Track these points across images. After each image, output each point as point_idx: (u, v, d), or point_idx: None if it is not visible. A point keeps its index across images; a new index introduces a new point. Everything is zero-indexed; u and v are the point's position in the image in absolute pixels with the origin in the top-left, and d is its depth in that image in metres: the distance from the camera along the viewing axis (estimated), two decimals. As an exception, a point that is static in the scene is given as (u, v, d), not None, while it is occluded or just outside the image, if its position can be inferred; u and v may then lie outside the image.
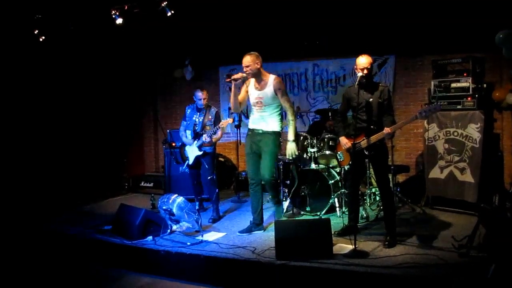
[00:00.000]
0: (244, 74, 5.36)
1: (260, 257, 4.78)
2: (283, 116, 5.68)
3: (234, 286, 4.79)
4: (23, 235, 6.20)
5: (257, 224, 5.76)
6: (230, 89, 5.57)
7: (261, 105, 5.48)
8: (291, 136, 5.46)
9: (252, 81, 5.52)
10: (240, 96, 5.68)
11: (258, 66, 5.38)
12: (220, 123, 6.30)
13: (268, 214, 6.41)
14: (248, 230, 5.71)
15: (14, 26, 7.09)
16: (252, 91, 5.55)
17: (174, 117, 9.88)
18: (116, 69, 8.95)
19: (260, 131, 5.54)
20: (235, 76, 5.33)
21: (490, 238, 4.52)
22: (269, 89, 5.39)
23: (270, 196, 5.95)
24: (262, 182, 5.65)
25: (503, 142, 7.13)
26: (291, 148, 5.46)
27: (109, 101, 8.93)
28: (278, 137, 5.57)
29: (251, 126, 5.67)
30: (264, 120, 5.52)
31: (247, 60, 5.35)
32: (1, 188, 7.12)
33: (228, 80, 5.38)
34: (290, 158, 5.60)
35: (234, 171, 8.78)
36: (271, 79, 5.41)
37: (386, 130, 4.91)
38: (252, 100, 5.57)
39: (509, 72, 6.66)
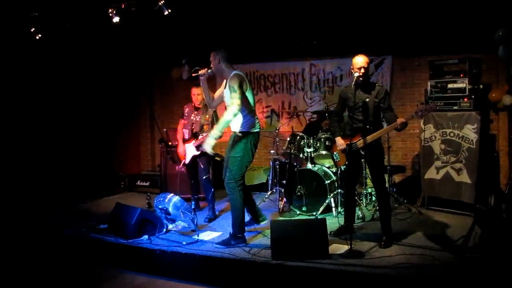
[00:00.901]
0: (209, 70, 5.20)
1: (255, 257, 4.77)
2: (254, 117, 5.22)
3: (230, 286, 4.77)
4: (19, 233, 6.18)
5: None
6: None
7: (226, 104, 5.24)
8: (213, 132, 5.00)
9: None
10: (218, 91, 5.48)
11: (217, 62, 5.17)
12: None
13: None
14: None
15: (10, 24, 7.06)
16: (223, 89, 5.37)
17: (171, 116, 9.86)
18: (113, 67, 8.92)
19: (232, 132, 5.30)
20: (200, 72, 5.20)
21: (485, 239, 4.53)
22: (227, 86, 5.14)
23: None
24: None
25: (499, 143, 7.15)
26: (206, 143, 5.00)
27: (106, 100, 8.91)
28: (250, 139, 5.16)
29: None
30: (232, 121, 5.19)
31: (211, 56, 5.24)
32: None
33: (193, 74, 5.31)
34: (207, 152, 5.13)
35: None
36: (230, 76, 5.09)
37: (400, 120, 4.86)
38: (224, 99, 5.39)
39: (510, 70, 6.65)
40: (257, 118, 5.27)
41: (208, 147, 5.01)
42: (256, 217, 5.72)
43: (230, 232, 5.29)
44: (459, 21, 6.56)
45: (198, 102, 6.59)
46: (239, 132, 5.15)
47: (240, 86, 4.97)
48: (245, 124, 5.14)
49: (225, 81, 5.29)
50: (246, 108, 5.12)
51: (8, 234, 6.16)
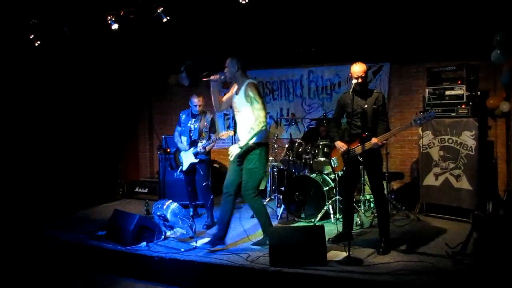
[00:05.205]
0: (222, 76, 5.24)
1: (253, 263, 4.76)
2: (265, 127, 5.20)
3: (228, 293, 4.77)
4: (16, 239, 6.16)
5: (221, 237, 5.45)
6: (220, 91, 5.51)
7: (237, 110, 5.29)
8: (241, 141, 5.07)
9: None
10: (226, 96, 5.49)
11: (235, 70, 5.20)
12: (221, 134, 6.31)
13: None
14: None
15: (9, 31, 7.08)
16: (233, 94, 5.36)
17: (169, 123, 9.87)
18: (112, 74, 8.94)
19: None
20: (212, 77, 5.22)
21: (483, 245, 4.52)
22: (241, 94, 5.15)
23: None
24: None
25: (497, 150, 7.17)
26: (232, 150, 5.08)
27: (105, 107, 8.92)
28: (260, 150, 5.17)
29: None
30: (242, 128, 5.23)
31: (226, 62, 5.27)
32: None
33: (205, 79, 5.30)
34: (230, 158, 5.18)
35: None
36: (244, 84, 5.14)
37: (374, 140, 4.92)
38: (233, 104, 5.39)
39: (501, 79, 6.68)
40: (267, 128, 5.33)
41: (233, 157, 5.12)
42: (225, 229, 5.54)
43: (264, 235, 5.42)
44: (457, 28, 6.60)
45: (198, 111, 6.58)
46: (254, 143, 5.13)
47: (260, 96, 5.12)
48: (260, 135, 5.13)
49: (236, 87, 5.34)
50: None
51: (6, 240, 6.15)
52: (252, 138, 5.07)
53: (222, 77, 5.25)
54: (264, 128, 5.09)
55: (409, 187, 7.57)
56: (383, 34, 7.20)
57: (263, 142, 5.20)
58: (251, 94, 5.06)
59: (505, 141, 7.10)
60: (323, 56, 8.22)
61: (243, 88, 5.16)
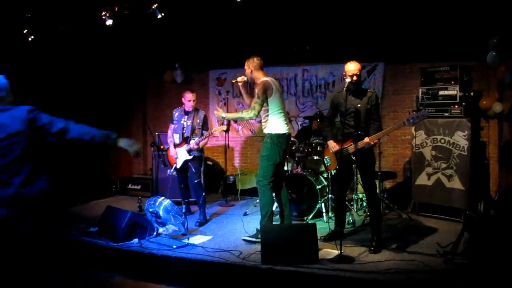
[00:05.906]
0: (245, 78, 5.61)
1: (245, 261, 4.77)
2: (286, 119, 5.48)
3: (219, 290, 4.77)
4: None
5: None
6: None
7: None
8: (229, 114, 5.89)
9: None
10: None
11: (249, 70, 5.47)
12: (213, 129, 6.31)
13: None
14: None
15: (2, 25, 7.03)
16: None
17: (163, 119, 9.83)
18: (106, 70, 8.89)
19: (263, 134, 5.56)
20: (238, 79, 5.68)
21: (474, 245, 4.55)
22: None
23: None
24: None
25: (489, 150, 7.21)
26: (217, 113, 5.52)
27: (98, 103, 8.86)
28: (274, 140, 5.34)
29: None
30: (263, 123, 5.51)
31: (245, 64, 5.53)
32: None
33: (233, 81, 5.97)
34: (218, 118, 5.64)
35: (222, 175, 8.77)
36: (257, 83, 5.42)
37: (366, 139, 4.94)
38: None
39: (505, 81, 6.68)
40: (285, 121, 5.47)
41: (217, 116, 5.53)
42: (282, 220, 5.72)
43: (256, 228, 5.56)
44: (451, 29, 6.63)
45: (192, 107, 6.57)
46: (265, 133, 5.44)
47: (263, 93, 5.28)
48: (270, 126, 5.39)
49: None
50: (271, 112, 5.36)
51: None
52: (235, 118, 6.11)
53: (245, 79, 5.60)
54: (251, 117, 5.32)
55: (401, 186, 7.60)
56: (378, 33, 7.21)
57: (274, 133, 5.36)
58: (258, 91, 5.30)
59: (497, 142, 7.13)
60: (317, 55, 8.21)
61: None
